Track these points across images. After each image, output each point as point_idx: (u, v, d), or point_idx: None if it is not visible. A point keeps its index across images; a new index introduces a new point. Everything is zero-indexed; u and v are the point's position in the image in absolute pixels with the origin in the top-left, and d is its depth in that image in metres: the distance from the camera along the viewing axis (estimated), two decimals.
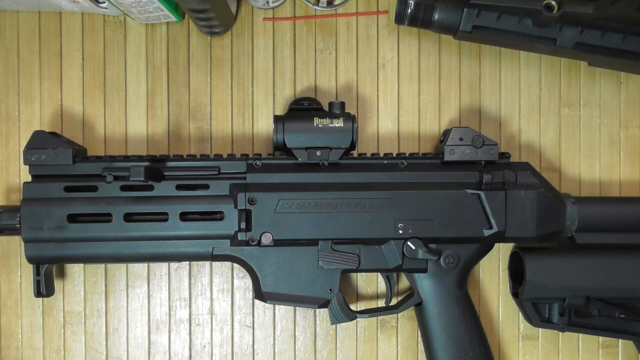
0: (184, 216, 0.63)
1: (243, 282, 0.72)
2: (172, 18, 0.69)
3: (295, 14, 0.73)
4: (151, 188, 0.63)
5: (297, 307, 0.72)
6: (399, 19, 0.68)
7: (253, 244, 0.63)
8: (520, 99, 0.74)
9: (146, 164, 0.62)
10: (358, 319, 0.72)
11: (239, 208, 0.63)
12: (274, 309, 0.73)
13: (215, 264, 0.72)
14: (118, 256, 0.63)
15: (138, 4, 0.64)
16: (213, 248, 0.64)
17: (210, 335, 0.72)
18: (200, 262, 0.72)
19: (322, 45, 0.73)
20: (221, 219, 0.63)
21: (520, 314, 0.72)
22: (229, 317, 0.72)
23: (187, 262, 0.72)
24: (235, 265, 0.72)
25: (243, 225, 0.62)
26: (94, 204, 0.62)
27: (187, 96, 0.72)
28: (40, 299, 0.71)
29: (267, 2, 0.70)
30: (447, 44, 0.73)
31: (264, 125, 0.72)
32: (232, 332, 0.72)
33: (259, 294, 0.64)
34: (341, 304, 0.64)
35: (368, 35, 0.73)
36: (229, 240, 0.64)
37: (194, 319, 0.72)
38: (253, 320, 0.73)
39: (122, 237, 0.63)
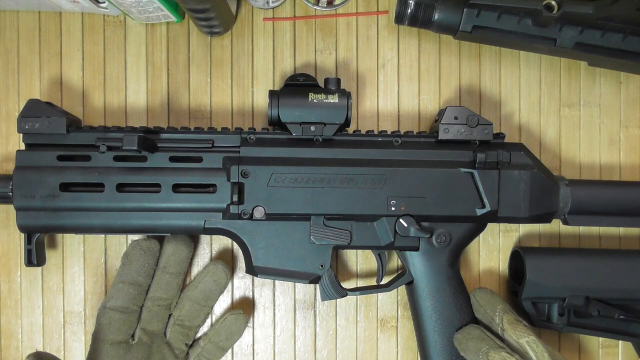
0: (177, 188, 0.63)
1: (243, 282, 0.72)
2: (172, 18, 0.69)
3: (295, 14, 0.73)
4: (144, 159, 0.63)
5: (297, 308, 0.72)
6: (399, 19, 0.69)
7: (245, 217, 0.63)
8: (520, 99, 0.74)
9: (140, 134, 0.61)
10: (359, 320, 0.73)
11: (231, 181, 0.63)
12: (274, 309, 0.73)
13: None
14: (110, 227, 0.63)
15: (138, 4, 0.64)
16: (205, 221, 0.64)
17: None
18: (200, 262, 0.72)
19: (322, 45, 0.73)
20: (214, 191, 0.63)
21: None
22: None
23: None
24: (235, 264, 0.72)
25: (235, 198, 0.62)
26: (87, 173, 0.62)
27: (187, 96, 0.72)
28: (41, 299, 0.71)
29: (267, 2, 0.70)
30: (447, 44, 0.73)
31: (264, 125, 0.72)
32: None
33: (250, 268, 0.64)
34: (332, 280, 0.64)
35: (368, 35, 0.73)
36: (221, 214, 0.63)
37: None
38: (253, 320, 0.73)
39: (114, 207, 0.62)
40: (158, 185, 0.63)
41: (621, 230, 0.74)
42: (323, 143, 0.65)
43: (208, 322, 0.72)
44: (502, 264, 0.74)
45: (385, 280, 0.69)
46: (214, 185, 0.63)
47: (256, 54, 0.73)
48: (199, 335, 0.70)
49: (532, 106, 0.74)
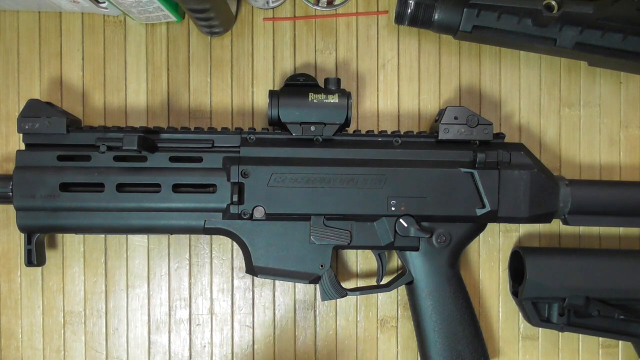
0: (177, 188, 0.63)
1: (243, 282, 0.72)
2: (172, 18, 0.69)
3: (295, 14, 0.73)
4: (144, 159, 0.63)
5: (297, 308, 0.72)
6: (399, 19, 0.68)
7: (245, 217, 0.63)
8: (520, 99, 0.74)
9: (140, 134, 0.61)
10: (359, 320, 0.73)
11: (231, 181, 0.63)
12: (274, 309, 0.73)
13: (215, 263, 0.72)
14: (110, 227, 0.63)
15: (138, 4, 0.64)
16: (205, 221, 0.64)
17: (210, 335, 0.72)
18: (200, 262, 0.72)
19: (322, 45, 0.73)
20: (214, 191, 0.63)
21: (520, 313, 0.72)
22: (229, 317, 0.72)
23: (188, 262, 0.72)
24: (235, 265, 0.72)
25: (235, 198, 0.62)
26: (87, 173, 0.62)
27: (187, 96, 0.72)
28: (41, 299, 0.71)
29: (267, 2, 0.70)
30: (447, 44, 0.73)
31: (264, 125, 0.72)
32: (232, 332, 0.72)
33: (250, 268, 0.64)
34: (332, 280, 0.64)
35: (368, 35, 0.73)
36: (221, 214, 0.64)
37: (194, 319, 0.72)
38: (253, 320, 0.73)
39: (114, 207, 0.63)
40: (158, 185, 0.63)
41: (621, 230, 0.74)
42: (323, 143, 0.65)
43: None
44: (502, 264, 0.74)
45: (385, 280, 0.69)
46: (214, 185, 0.63)
47: (256, 54, 0.73)
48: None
49: (532, 106, 0.74)
